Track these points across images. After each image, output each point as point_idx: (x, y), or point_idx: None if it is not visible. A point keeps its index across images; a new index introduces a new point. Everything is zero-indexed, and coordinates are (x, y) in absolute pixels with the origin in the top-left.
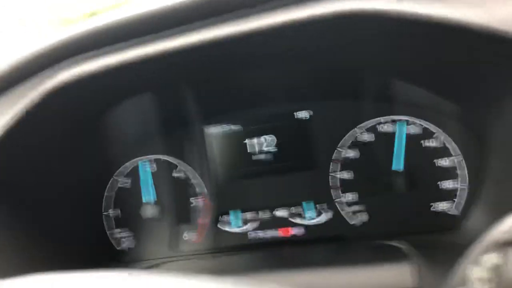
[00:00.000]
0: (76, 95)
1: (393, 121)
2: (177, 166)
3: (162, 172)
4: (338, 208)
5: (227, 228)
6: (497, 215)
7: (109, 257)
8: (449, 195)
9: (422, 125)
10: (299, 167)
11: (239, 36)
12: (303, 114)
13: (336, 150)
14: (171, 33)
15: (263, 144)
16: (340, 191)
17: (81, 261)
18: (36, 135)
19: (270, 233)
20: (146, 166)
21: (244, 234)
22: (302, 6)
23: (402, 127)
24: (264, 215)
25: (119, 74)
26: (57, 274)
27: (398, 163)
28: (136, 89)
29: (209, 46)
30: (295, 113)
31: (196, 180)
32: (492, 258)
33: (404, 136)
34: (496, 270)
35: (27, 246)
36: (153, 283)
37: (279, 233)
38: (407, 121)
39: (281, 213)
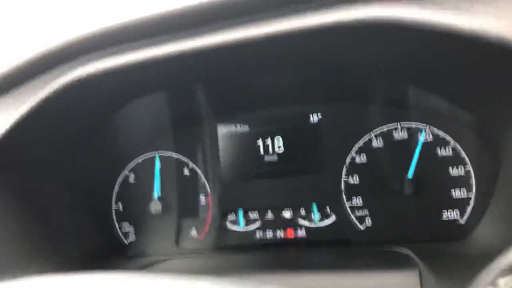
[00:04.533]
0: (89, 92)
1: (405, 128)
2: (185, 164)
3: (170, 169)
4: (344, 212)
5: (232, 227)
6: (505, 227)
7: (113, 251)
8: (457, 204)
9: (434, 133)
10: (306, 170)
11: (255, 39)
12: (314, 117)
13: (344, 155)
14: (187, 34)
15: (272, 145)
16: (346, 195)
17: (83, 253)
18: (49, 127)
19: (274, 234)
20: (154, 163)
21: (248, 234)
22: (319, 13)
23: (420, 135)
24: (269, 215)
25: (133, 73)
26: (59, 276)
27: (410, 170)
28: (149, 88)
29: (224, 48)
30: (306, 116)
31: (203, 178)
32: (507, 281)
33: (420, 144)
34: None
35: (33, 239)
36: (153, 284)
37: (284, 234)
38: (419, 128)
39: (286, 214)
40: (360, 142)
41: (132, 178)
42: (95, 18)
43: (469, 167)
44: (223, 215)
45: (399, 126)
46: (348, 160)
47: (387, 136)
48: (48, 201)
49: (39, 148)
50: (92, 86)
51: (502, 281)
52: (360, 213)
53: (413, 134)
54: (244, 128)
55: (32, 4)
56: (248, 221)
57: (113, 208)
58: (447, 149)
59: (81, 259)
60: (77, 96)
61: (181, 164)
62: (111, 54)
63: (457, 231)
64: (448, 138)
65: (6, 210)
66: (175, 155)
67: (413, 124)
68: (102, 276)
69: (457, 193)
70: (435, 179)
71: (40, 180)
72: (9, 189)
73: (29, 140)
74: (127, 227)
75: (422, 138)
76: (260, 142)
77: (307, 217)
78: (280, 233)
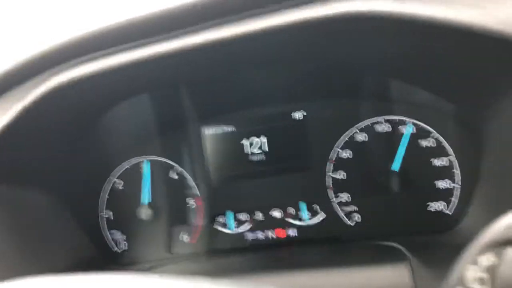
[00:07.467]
0: (73, 97)
1: (388, 121)
2: (172, 167)
3: (158, 173)
4: (333, 209)
5: (222, 229)
6: (492, 215)
7: (103, 259)
8: (444, 195)
9: (417, 125)
10: (293, 168)
11: (236, 39)
12: (298, 114)
13: (329, 151)
14: (169, 36)
15: (258, 145)
16: (334, 192)
17: (74, 262)
18: (33, 135)
19: (265, 234)
20: (142, 167)
21: (239, 235)
22: (299, 9)
23: (403, 128)
24: (259, 216)
25: (116, 77)
26: (49, 277)
27: (395, 163)
28: (133, 91)
29: (206, 48)
30: (290, 114)
31: (191, 181)
32: (488, 258)
33: (408, 137)
34: (492, 270)
35: (19, 248)
36: (147, 285)
37: (274, 234)
38: (402, 120)
39: (276, 214)
40: (345, 138)
41: (120, 185)
42: (74, 24)
43: (453, 157)
44: (213, 218)
45: (383, 120)
46: (333, 156)
47: (371, 131)
48: (35, 209)
49: (24, 156)
50: (73, 92)
51: (480, 258)
52: (348, 209)
53: (396, 127)
54: (229, 128)
55: (9, 13)
56: (239, 223)
57: (103, 216)
58: (431, 141)
59: (72, 268)
60: (59, 103)
61: (168, 168)
62: (91, 59)
63: (445, 222)
64: (430, 129)
65: None
66: (162, 159)
67: (396, 117)
68: (98, 277)
69: (442, 184)
70: (420, 171)
71: (26, 187)
72: None
73: (13, 148)
74: (118, 235)
75: (408, 131)
76: (245, 142)
77: (297, 215)
78: (271, 234)
